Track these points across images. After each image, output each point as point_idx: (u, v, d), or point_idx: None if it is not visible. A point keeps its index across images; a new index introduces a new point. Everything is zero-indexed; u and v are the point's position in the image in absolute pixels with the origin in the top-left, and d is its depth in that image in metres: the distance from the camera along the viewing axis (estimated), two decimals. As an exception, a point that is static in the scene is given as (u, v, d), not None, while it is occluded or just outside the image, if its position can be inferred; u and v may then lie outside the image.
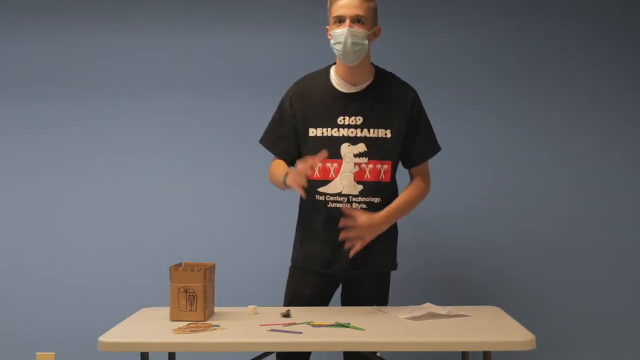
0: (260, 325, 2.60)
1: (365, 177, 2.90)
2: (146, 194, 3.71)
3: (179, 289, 2.66)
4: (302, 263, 3.01)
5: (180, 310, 2.66)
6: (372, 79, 2.95)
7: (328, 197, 2.91)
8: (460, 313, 2.78)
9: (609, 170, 3.69)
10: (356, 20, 2.83)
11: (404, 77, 2.98)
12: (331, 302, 3.06)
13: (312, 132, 2.93)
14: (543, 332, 3.59)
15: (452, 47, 3.69)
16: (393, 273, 3.09)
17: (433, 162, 3.64)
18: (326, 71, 2.99)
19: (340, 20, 2.84)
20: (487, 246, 3.67)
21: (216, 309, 2.86)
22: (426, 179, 3.03)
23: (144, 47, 3.71)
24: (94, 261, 3.70)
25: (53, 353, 3.69)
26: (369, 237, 2.87)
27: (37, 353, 3.69)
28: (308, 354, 2.99)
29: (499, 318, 2.74)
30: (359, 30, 2.82)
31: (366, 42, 2.84)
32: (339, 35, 2.82)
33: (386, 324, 2.62)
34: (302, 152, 2.95)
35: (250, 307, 2.81)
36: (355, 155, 2.90)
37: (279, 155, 3.01)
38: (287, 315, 2.73)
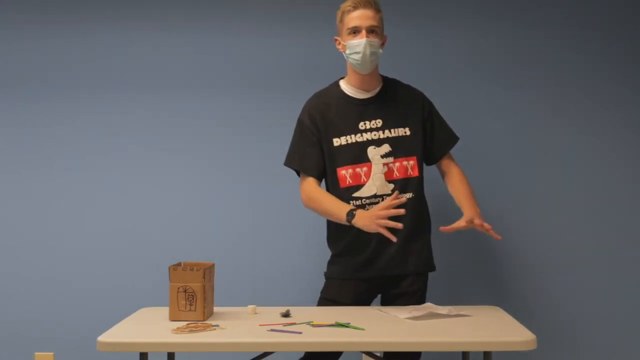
0: (260, 325, 2.60)
1: (395, 175, 2.99)
2: (145, 194, 3.69)
3: (178, 288, 2.66)
4: (342, 273, 3.02)
5: (179, 310, 2.66)
6: (381, 85, 3.07)
7: (364, 201, 2.98)
8: (461, 313, 2.77)
9: (611, 171, 3.68)
10: (371, 30, 2.93)
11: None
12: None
13: (337, 141, 3.00)
14: (543, 332, 3.58)
15: (454, 47, 3.68)
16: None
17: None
18: (335, 85, 3.10)
19: (355, 31, 2.93)
20: (488, 246, 3.67)
21: (215, 309, 2.86)
22: (457, 164, 3.14)
23: (142, 46, 3.71)
24: (93, 261, 3.68)
25: (52, 353, 3.68)
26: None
27: (36, 353, 3.68)
28: (339, 354, 2.98)
29: (499, 318, 2.74)
30: (374, 40, 2.93)
31: (380, 50, 2.98)
32: (357, 45, 2.91)
33: (386, 324, 2.61)
34: (329, 163, 3.01)
35: (250, 307, 2.81)
36: (382, 156, 2.99)
37: (306, 171, 3.03)
38: (286, 315, 2.72)
